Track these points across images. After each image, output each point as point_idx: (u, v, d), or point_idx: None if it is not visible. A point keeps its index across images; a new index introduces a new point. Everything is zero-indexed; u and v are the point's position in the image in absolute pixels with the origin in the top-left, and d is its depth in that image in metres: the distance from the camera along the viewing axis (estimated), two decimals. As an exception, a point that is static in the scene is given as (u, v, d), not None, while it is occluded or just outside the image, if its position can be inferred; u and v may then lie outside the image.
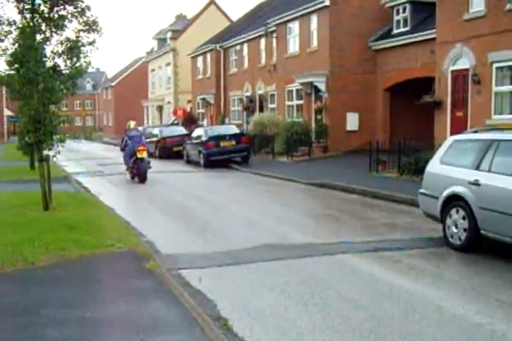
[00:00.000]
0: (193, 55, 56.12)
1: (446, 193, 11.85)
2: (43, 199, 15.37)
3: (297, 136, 32.84)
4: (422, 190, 13.07)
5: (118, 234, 12.41)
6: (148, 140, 42.77)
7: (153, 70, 73.17)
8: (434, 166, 12.83)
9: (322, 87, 32.98)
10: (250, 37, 44.42)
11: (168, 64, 65.46)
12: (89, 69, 15.87)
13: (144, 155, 24.37)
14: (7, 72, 16.01)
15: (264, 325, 7.63)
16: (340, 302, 8.46)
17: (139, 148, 24.43)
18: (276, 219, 15.75)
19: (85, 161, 39.59)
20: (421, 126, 27.50)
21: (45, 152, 15.85)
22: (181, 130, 42.53)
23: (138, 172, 24.68)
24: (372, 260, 10.97)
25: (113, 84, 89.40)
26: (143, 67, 79.83)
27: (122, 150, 26.12)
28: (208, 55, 52.30)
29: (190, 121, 52.36)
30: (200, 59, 54.86)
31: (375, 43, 32.42)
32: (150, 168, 24.96)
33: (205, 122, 52.37)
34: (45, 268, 9.88)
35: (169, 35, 66.18)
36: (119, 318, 7.50)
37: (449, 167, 12.25)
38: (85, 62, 15.49)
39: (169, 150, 39.49)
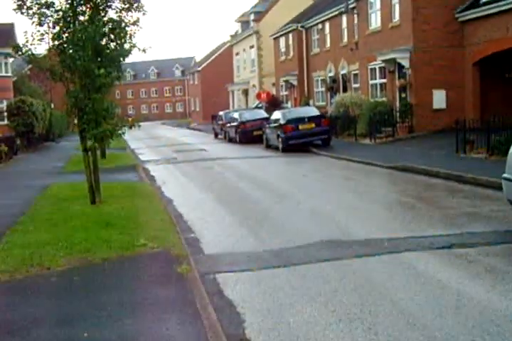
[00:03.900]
0: (275, 36, 54.53)
1: (531, 178, 10.08)
2: (90, 193, 14.31)
3: (380, 117, 30.91)
4: (505, 175, 11.23)
5: (157, 231, 11.20)
6: (229, 124, 41.87)
7: (237, 54, 71.99)
8: (518, 147, 11.00)
9: (406, 63, 30.92)
10: (331, 15, 42.49)
11: (251, 46, 64.17)
12: (134, 51, 14.57)
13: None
14: (47, 57, 14.96)
15: (294, 351, 6.22)
16: (394, 318, 6.92)
17: None
18: (344, 209, 14.24)
19: (163, 148, 38.69)
20: (514, 102, 25.28)
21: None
22: (262, 113, 41.00)
23: None
24: (443, 260, 9.29)
25: (199, 69, 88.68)
26: (228, 51, 78.82)
27: None
28: (290, 36, 50.63)
29: (274, 104, 50.85)
30: (282, 40, 53.23)
31: (461, 14, 29.96)
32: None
33: (289, 105, 50.84)
34: (61, 274, 8.73)
35: (252, 17, 64.87)
36: (116, 342, 6.22)
37: (535, 147, 10.44)
38: (130, 43, 14.26)
39: (250, 135, 37.97)
